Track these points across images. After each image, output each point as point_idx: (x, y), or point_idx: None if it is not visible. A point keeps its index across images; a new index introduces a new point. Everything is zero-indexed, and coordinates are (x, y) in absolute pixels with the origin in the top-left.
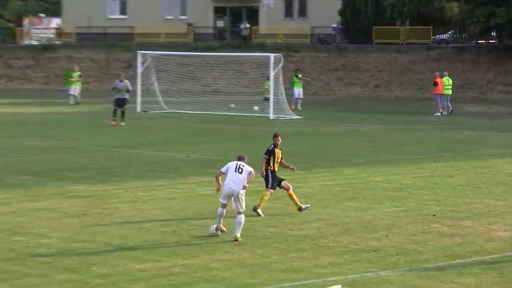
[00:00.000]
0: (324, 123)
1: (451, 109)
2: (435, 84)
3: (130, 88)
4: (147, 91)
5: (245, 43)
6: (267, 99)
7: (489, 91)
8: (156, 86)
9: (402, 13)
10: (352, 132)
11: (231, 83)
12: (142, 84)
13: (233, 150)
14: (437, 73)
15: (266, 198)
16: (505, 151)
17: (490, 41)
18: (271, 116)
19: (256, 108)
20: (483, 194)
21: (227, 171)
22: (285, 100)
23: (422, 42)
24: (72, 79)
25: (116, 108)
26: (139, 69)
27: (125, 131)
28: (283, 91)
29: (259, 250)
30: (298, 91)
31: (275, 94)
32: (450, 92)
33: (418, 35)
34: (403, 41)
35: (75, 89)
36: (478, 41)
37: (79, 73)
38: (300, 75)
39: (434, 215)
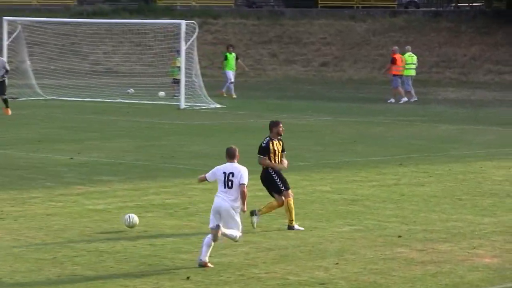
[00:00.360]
0: (252, 114)
1: (414, 98)
2: (393, 61)
3: (7, 67)
4: (15, 71)
5: (147, 6)
6: (176, 81)
7: (473, 70)
8: (27, 64)
9: None
10: (291, 126)
11: (128, 60)
12: (9, 62)
13: (132, 151)
14: (395, 48)
15: (292, 204)
16: (493, 151)
17: (474, 4)
18: (182, 104)
19: (162, 94)
20: (465, 208)
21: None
22: (201, 83)
23: (384, 5)
24: None
25: None
26: (5, 42)
27: None
28: (199, 71)
29: (167, 284)
30: (232, 73)
31: (188, 75)
32: (413, 73)
33: None
34: (359, 4)
35: None
36: (459, 4)
37: None
38: (233, 55)
39: (399, 237)
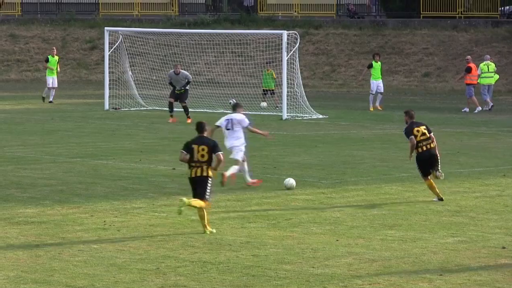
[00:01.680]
0: (355, 125)
1: (491, 104)
2: (468, 70)
3: (190, 78)
4: (117, 82)
5: (248, 16)
6: (272, 93)
7: None
8: (129, 74)
9: None
10: (393, 137)
11: (230, 70)
12: (111, 72)
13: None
14: (469, 57)
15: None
16: None
17: None
18: (285, 115)
19: (264, 104)
20: None
21: None
22: (303, 94)
23: (487, 16)
24: (51, 66)
25: (172, 101)
26: (107, 52)
27: (89, 135)
28: (301, 82)
29: None
30: (377, 83)
31: (290, 85)
32: (490, 81)
33: (482, 6)
34: (461, 14)
35: (54, 79)
36: None
37: (57, 57)
38: (379, 64)
39: (503, 248)
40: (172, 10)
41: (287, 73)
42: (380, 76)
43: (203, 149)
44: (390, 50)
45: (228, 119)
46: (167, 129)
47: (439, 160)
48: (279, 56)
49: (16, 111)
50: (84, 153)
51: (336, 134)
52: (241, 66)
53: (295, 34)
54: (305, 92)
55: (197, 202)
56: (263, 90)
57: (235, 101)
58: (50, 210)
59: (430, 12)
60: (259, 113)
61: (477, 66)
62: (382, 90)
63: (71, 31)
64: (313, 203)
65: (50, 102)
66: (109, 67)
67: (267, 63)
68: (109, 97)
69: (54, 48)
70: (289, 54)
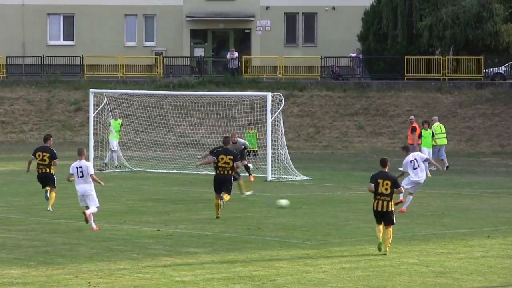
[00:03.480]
0: (339, 186)
1: (446, 164)
2: (413, 130)
3: (247, 145)
4: (102, 143)
5: (233, 79)
6: (255, 153)
7: None
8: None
9: (444, 39)
10: None
11: (215, 132)
12: (95, 134)
13: (218, 223)
14: (412, 117)
15: None
16: None
17: None
18: (270, 176)
19: (249, 166)
20: None
21: None
22: (288, 155)
23: (470, 78)
24: (113, 130)
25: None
26: (91, 114)
27: (74, 196)
28: (285, 143)
29: None
30: (429, 150)
31: (274, 147)
32: (445, 142)
33: (465, 68)
34: (445, 76)
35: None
36: None
37: (120, 120)
38: (429, 132)
39: None
40: (157, 72)
41: (271, 134)
42: (431, 143)
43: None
44: (374, 112)
45: None
46: (151, 191)
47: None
48: (264, 118)
49: (1, 172)
50: (68, 215)
51: (321, 195)
52: (225, 128)
53: (280, 96)
54: (289, 153)
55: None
56: (247, 151)
57: None
58: (35, 271)
59: (414, 74)
60: (243, 174)
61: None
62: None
63: (56, 93)
64: (298, 264)
65: (117, 166)
66: (94, 129)
67: (249, 123)
68: (94, 158)
69: (117, 111)
70: (274, 116)
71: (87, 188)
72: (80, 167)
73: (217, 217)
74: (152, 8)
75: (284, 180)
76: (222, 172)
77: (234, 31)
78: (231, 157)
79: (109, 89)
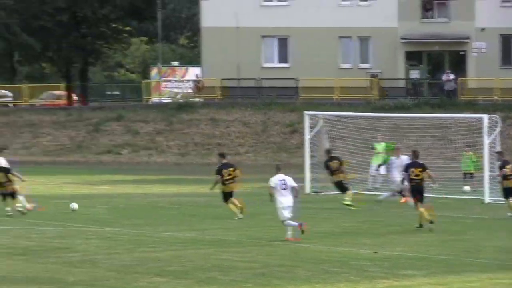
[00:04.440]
0: None
1: None
2: None
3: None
4: (317, 165)
5: (449, 101)
6: (471, 176)
7: None
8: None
9: None
10: None
11: (430, 154)
12: (312, 156)
13: (436, 245)
14: None
15: None
16: None
17: None
18: (487, 199)
19: (466, 188)
20: None
21: None
22: None
23: None
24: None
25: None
26: (307, 136)
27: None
28: None
29: None
30: None
31: (492, 169)
32: None
33: None
34: None
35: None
36: None
37: (384, 144)
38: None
39: None
40: (372, 94)
41: (488, 157)
42: None
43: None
44: None
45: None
46: (367, 213)
47: None
48: (480, 140)
49: (217, 194)
50: (283, 237)
51: None
52: (441, 150)
53: (496, 117)
54: None
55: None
56: (463, 173)
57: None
58: None
59: None
60: (460, 197)
61: None
62: None
63: (271, 115)
64: None
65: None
66: (310, 151)
67: (466, 146)
68: (310, 180)
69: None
70: (491, 138)
71: (290, 200)
72: (283, 179)
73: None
74: (367, 30)
75: (502, 202)
76: None
77: (449, 53)
78: None
79: (324, 111)
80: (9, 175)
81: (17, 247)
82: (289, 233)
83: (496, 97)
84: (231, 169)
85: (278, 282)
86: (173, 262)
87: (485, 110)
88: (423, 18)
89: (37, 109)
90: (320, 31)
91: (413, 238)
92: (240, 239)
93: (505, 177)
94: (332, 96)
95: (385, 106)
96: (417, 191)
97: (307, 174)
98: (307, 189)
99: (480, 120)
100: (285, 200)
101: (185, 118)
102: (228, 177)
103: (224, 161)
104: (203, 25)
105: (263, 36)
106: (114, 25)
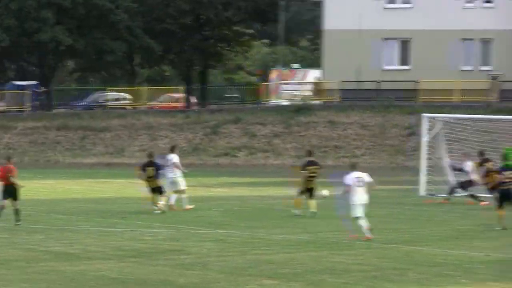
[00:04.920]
0: None
1: None
2: None
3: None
4: (433, 168)
5: None
6: None
7: None
8: (446, 161)
9: None
10: None
11: None
12: (428, 159)
13: None
14: None
15: None
16: None
17: None
18: None
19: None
20: None
21: None
22: None
23: None
24: None
25: None
26: (425, 139)
27: (405, 221)
28: None
29: None
30: None
31: None
32: None
33: None
34: None
35: None
36: None
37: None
38: None
39: None
40: (493, 96)
41: None
42: None
43: None
44: None
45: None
46: (483, 216)
47: None
48: None
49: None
50: (398, 239)
51: None
52: None
53: None
54: None
55: None
56: None
57: None
58: None
59: None
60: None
61: None
62: None
63: (390, 118)
64: None
65: None
66: (427, 153)
67: None
68: (425, 182)
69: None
70: None
71: (365, 198)
72: (360, 177)
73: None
74: (490, 33)
75: None
76: None
77: None
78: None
79: (443, 114)
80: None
81: (129, 249)
82: (366, 231)
83: None
84: (315, 166)
85: (389, 285)
86: (285, 264)
87: None
88: None
89: (154, 111)
90: (442, 33)
91: None
92: (352, 242)
93: None
94: (451, 99)
95: (504, 108)
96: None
97: (422, 176)
98: (421, 192)
99: None
100: (360, 198)
101: (303, 120)
102: (311, 174)
103: (311, 158)
104: (325, 28)
105: (385, 38)
106: (236, 28)
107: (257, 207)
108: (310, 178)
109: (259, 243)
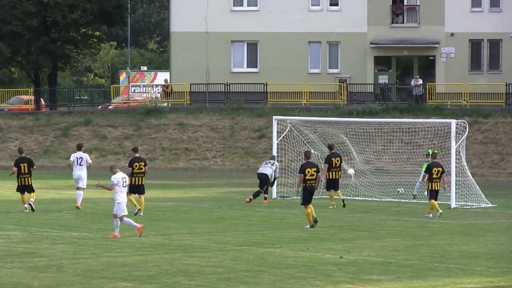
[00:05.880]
0: None
1: None
2: None
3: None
4: (286, 170)
5: (417, 105)
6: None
7: None
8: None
9: None
10: None
11: (398, 159)
12: (279, 161)
13: (402, 250)
14: None
15: None
16: None
17: None
18: (453, 203)
19: (401, 190)
20: None
21: None
22: (471, 182)
23: None
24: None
25: None
26: (275, 141)
27: (256, 224)
28: (468, 171)
29: None
30: None
31: (458, 174)
32: None
33: None
34: None
35: None
36: None
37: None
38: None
39: None
40: (341, 99)
41: (456, 162)
42: None
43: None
44: None
45: None
46: (334, 218)
47: None
48: (447, 145)
49: (184, 199)
50: (251, 241)
51: (505, 223)
52: (409, 155)
53: (464, 123)
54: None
55: None
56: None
57: (403, 190)
58: None
59: None
60: (427, 202)
61: None
62: None
63: (239, 120)
64: None
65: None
66: (278, 155)
67: (426, 155)
68: (277, 185)
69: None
70: (458, 143)
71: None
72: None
73: (311, 226)
74: (336, 35)
75: (468, 207)
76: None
77: (418, 58)
78: (315, 169)
79: (293, 116)
80: None
81: None
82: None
83: (464, 102)
84: (141, 163)
85: (243, 287)
86: (139, 267)
87: (453, 115)
88: (393, 23)
89: (4, 113)
90: (289, 36)
91: (380, 243)
92: (206, 244)
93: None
94: (300, 101)
95: (353, 111)
96: None
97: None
98: (274, 195)
99: (448, 125)
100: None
101: (153, 123)
102: (138, 170)
103: (137, 155)
104: (172, 30)
105: (233, 41)
106: (83, 30)
107: (108, 209)
108: (137, 174)
109: (112, 245)
